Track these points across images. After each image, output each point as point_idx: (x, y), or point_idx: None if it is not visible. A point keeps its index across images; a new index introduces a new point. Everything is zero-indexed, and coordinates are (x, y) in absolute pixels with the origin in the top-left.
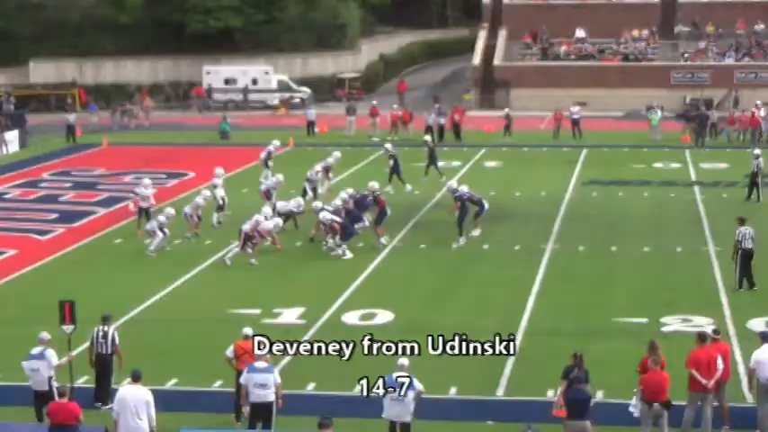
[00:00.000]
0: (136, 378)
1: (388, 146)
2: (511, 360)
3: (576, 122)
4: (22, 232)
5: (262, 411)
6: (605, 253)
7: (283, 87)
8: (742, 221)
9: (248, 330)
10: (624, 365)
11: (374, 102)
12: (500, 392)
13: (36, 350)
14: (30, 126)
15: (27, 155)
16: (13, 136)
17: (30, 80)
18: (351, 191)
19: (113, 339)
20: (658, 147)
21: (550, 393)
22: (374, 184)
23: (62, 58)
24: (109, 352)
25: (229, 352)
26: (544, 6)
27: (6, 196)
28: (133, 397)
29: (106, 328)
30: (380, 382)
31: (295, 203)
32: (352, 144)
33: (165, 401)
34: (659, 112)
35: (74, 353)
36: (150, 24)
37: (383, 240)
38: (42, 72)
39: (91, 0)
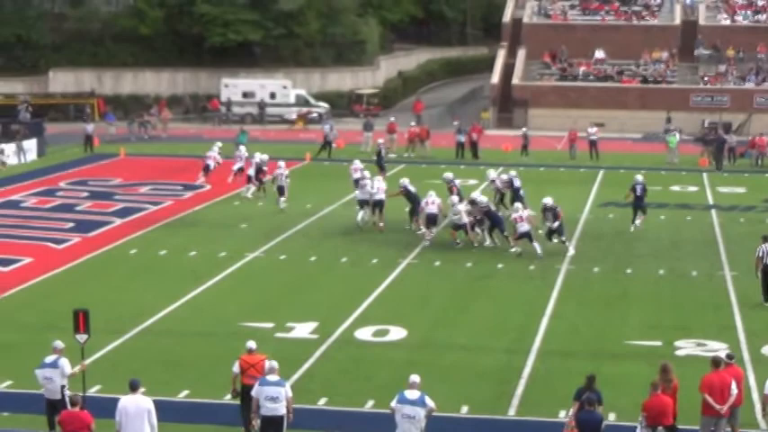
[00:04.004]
0: (134, 387)
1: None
2: (523, 380)
3: (593, 143)
4: (39, 240)
5: (272, 425)
6: (620, 275)
7: (301, 102)
8: (765, 239)
9: (252, 344)
10: (636, 388)
11: (392, 118)
12: (512, 412)
13: (49, 359)
14: (48, 135)
15: (45, 164)
16: (31, 145)
17: (49, 89)
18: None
19: None
20: (676, 169)
21: (562, 414)
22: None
23: (81, 67)
24: None
25: (235, 368)
26: (564, 26)
27: (23, 204)
28: (135, 406)
29: None
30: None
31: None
32: (370, 160)
33: (176, 413)
34: (677, 135)
35: (87, 362)
36: (170, 36)
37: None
38: (61, 81)
39: (111, 11)
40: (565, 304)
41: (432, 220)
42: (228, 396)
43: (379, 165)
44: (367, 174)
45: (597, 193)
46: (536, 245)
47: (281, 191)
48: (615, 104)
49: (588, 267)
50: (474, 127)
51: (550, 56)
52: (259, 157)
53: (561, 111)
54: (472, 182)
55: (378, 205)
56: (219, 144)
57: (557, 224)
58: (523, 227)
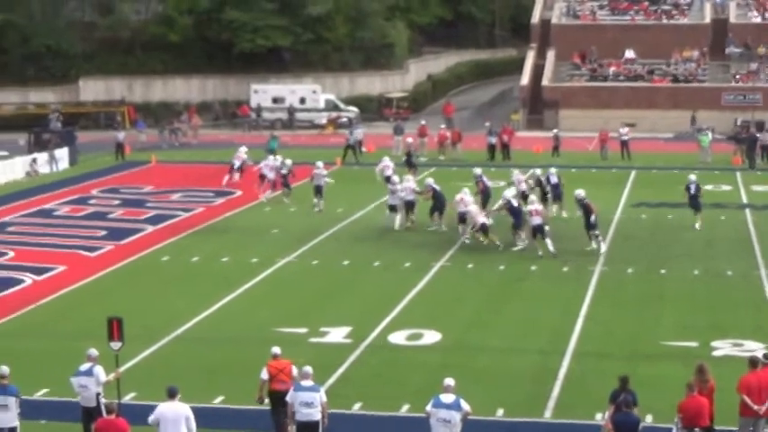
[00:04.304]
0: (172, 394)
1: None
2: (558, 382)
3: (624, 144)
4: (71, 249)
5: (307, 430)
6: (654, 275)
7: (331, 107)
8: None
9: (277, 350)
10: (673, 389)
11: (423, 121)
12: (547, 414)
13: (84, 366)
14: (79, 143)
15: (76, 172)
16: (62, 153)
17: (79, 98)
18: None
19: None
20: (709, 169)
21: (598, 416)
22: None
23: (111, 76)
24: None
25: (264, 374)
26: (593, 27)
27: (56, 213)
28: (173, 413)
29: None
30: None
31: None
32: (400, 163)
33: (211, 419)
34: (709, 134)
35: (121, 369)
36: (199, 43)
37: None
38: (92, 90)
39: (141, 19)
40: (599, 305)
41: (463, 219)
42: (256, 400)
43: (410, 165)
44: (396, 178)
45: (629, 193)
46: (548, 241)
47: (318, 190)
48: (646, 104)
49: (622, 268)
50: (505, 129)
51: (580, 56)
52: (280, 161)
53: (592, 111)
54: (503, 183)
55: (409, 206)
56: (245, 148)
57: (593, 218)
58: (536, 220)
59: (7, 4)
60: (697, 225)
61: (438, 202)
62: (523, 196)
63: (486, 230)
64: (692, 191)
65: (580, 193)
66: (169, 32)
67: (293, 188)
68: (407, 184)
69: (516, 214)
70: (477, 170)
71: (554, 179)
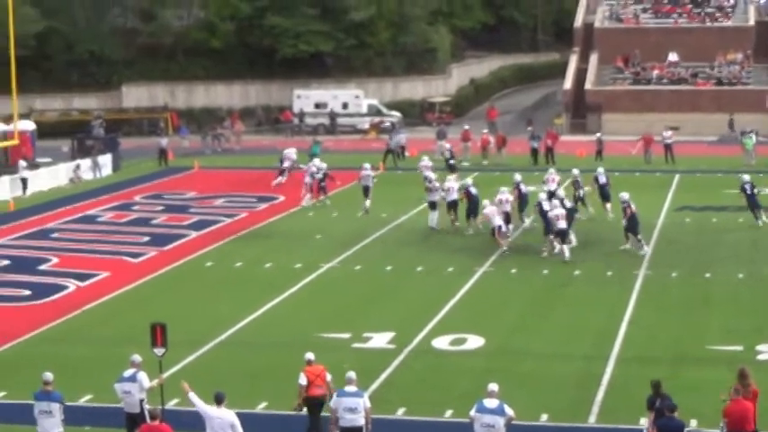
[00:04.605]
0: (219, 400)
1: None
2: (603, 387)
3: (668, 147)
4: (115, 255)
5: None
6: (699, 279)
7: (373, 112)
8: None
9: (311, 355)
10: (717, 394)
11: (466, 126)
12: (592, 420)
13: (128, 372)
14: (122, 150)
15: (120, 178)
16: (106, 159)
17: (122, 104)
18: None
19: None
20: (753, 171)
21: (643, 421)
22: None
23: (154, 82)
24: None
25: (303, 380)
26: (636, 30)
27: (99, 219)
28: (220, 419)
29: None
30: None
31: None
32: (443, 168)
33: (254, 425)
34: (754, 137)
35: (165, 375)
36: (241, 49)
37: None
38: (135, 96)
39: (183, 25)
40: (643, 310)
41: (506, 220)
42: (294, 407)
43: (450, 167)
44: (433, 176)
45: (673, 197)
46: (566, 247)
47: (366, 191)
48: (690, 107)
49: (666, 272)
50: (549, 133)
51: (623, 60)
52: (316, 165)
53: (635, 115)
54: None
55: (452, 206)
56: (294, 149)
57: (624, 222)
58: (561, 224)
59: (51, 11)
60: (760, 222)
61: (472, 205)
62: (550, 195)
63: (495, 233)
64: (749, 190)
65: (624, 195)
66: (211, 38)
67: (330, 194)
68: (449, 184)
69: (544, 218)
70: (517, 176)
71: (602, 179)
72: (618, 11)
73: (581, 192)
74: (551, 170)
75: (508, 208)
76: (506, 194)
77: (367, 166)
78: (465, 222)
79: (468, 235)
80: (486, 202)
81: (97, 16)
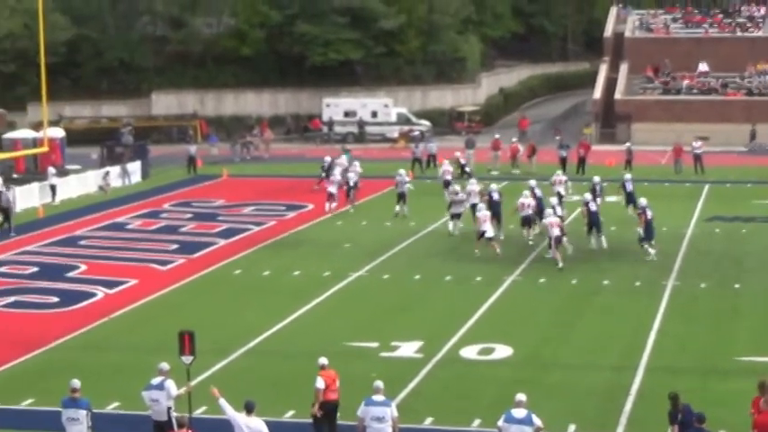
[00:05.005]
0: (249, 409)
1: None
2: (631, 397)
3: (697, 157)
4: (143, 262)
5: None
6: (728, 290)
7: (403, 120)
8: None
9: (324, 360)
10: (747, 406)
11: (496, 135)
12: (620, 430)
13: (156, 380)
14: (151, 157)
15: (149, 186)
16: (135, 167)
17: (152, 112)
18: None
19: None
20: None
21: None
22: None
23: (184, 89)
24: None
25: (321, 383)
26: (666, 40)
27: (128, 227)
28: (248, 428)
29: None
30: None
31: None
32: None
33: None
34: None
35: (193, 383)
36: (271, 57)
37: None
38: (164, 103)
39: (213, 32)
40: (672, 320)
41: (527, 222)
42: (313, 412)
43: (465, 173)
44: (458, 187)
45: (703, 207)
46: (558, 254)
47: (401, 197)
48: (720, 118)
49: (695, 283)
50: (582, 143)
51: (653, 70)
52: (356, 171)
53: (665, 125)
54: (576, 198)
55: (474, 209)
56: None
57: (639, 230)
58: (554, 231)
59: (81, 18)
60: None
61: (493, 211)
62: (559, 197)
63: (481, 237)
64: None
65: (642, 201)
66: (241, 46)
67: (357, 203)
68: (471, 188)
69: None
70: (532, 182)
71: (630, 186)
72: (648, 20)
73: (598, 200)
74: (558, 172)
75: (530, 212)
76: (529, 199)
77: (402, 172)
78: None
79: (452, 235)
80: (481, 205)
81: (127, 24)
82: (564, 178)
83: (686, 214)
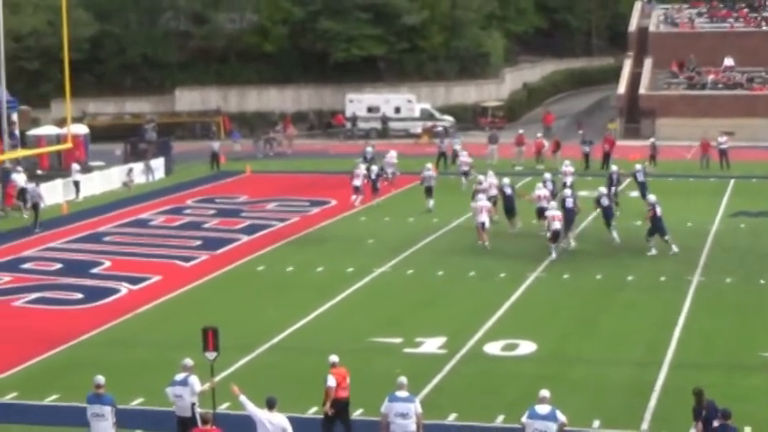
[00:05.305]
0: (271, 405)
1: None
2: (655, 393)
3: (723, 153)
4: (167, 258)
5: None
6: (754, 285)
7: (426, 116)
8: None
9: (335, 358)
10: None
11: (520, 130)
12: (645, 426)
13: (180, 376)
14: (175, 153)
15: (172, 182)
16: (158, 163)
17: (175, 108)
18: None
19: None
20: None
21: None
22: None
23: (207, 86)
24: None
25: (332, 381)
26: (691, 34)
27: (151, 223)
28: (272, 425)
29: None
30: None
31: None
32: (496, 173)
33: (304, 429)
34: None
35: (216, 379)
36: (294, 53)
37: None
38: (188, 100)
39: (236, 28)
40: (697, 316)
41: (541, 213)
42: (324, 410)
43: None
44: (481, 177)
45: (728, 203)
46: (553, 246)
47: (428, 191)
48: (745, 112)
49: (720, 278)
50: (607, 138)
51: (678, 65)
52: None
53: (690, 120)
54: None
55: (492, 201)
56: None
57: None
58: (555, 225)
59: (105, 15)
60: None
61: (507, 205)
62: (564, 186)
63: (479, 227)
64: None
65: (651, 198)
66: (264, 42)
67: (381, 198)
68: (492, 180)
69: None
70: (547, 174)
71: (641, 177)
72: (673, 15)
73: (614, 189)
74: (567, 162)
75: (545, 204)
76: (544, 190)
77: (429, 166)
78: (505, 222)
79: (510, 234)
80: (480, 195)
81: (150, 20)
82: (571, 169)
83: (711, 210)
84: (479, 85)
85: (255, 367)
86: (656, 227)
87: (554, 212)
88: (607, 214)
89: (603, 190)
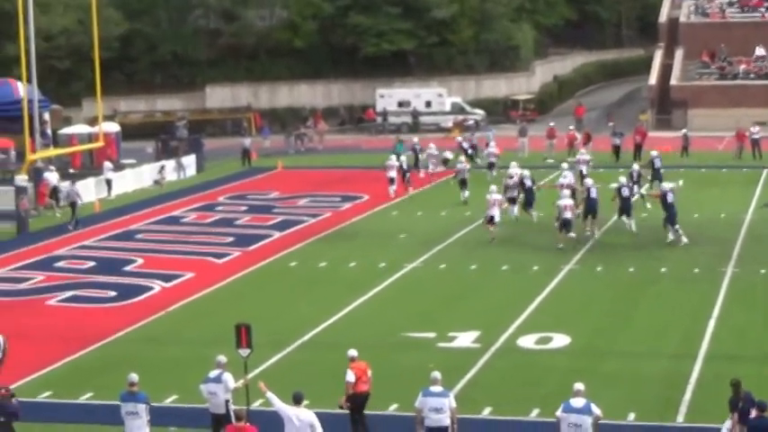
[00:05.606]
0: (298, 400)
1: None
2: (691, 385)
3: (755, 142)
4: (199, 255)
5: None
6: None
7: (457, 110)
8: None
9: (354, 352)
10: None
11: (551, 123)
12: (680, 419)
13: (213, 373)
14: (206, 150)
15: (204, 179)
16: (190, 160)
17: (206, 105)
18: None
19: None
20: None
21: (727, 423)
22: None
23: (237, 82)
24: None
25: (351, 377)
26: (722, 24)
27: (184, 220)
28: (298, 419)
29: None
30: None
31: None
32: (527, 166)
33: (336, 425)
34: None
35: (250, 376)
36: (324, 48)
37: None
38: (218, 97)
39: (266, 25)
40: (731, 307)
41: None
42: (339, 404)
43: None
44: (512, 171)
45: (761, 193)
46: (561, 236)
47: (463, 183)
48: None
49: (754, 269)
50: (638, 129)
51: (709, 55)
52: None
53: (722, 110)
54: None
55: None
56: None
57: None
58: (567, 214)
59: (135, 13)
60: None
61: (526, 197)
62: (581, 176)
63: (491, 221)
64: None
65: (665, 186)
66: (294, 38)
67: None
68: (515, 171)
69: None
70: (564, 165)
71: (658, 162)
72: (703, 5)
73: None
74: (582, 151)
75: (567, 192)
76: (567, 179)
77: (462, 159)
78: (526, 213)
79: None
80: (493, 187)
81: (180, 17)
82: (587, 158)
83: (745, 200)
84: (510, 79)
85: (288, 364)
86: (668, 214)
87: (565, 201)
88: (626, 205)
89: (623, 180)
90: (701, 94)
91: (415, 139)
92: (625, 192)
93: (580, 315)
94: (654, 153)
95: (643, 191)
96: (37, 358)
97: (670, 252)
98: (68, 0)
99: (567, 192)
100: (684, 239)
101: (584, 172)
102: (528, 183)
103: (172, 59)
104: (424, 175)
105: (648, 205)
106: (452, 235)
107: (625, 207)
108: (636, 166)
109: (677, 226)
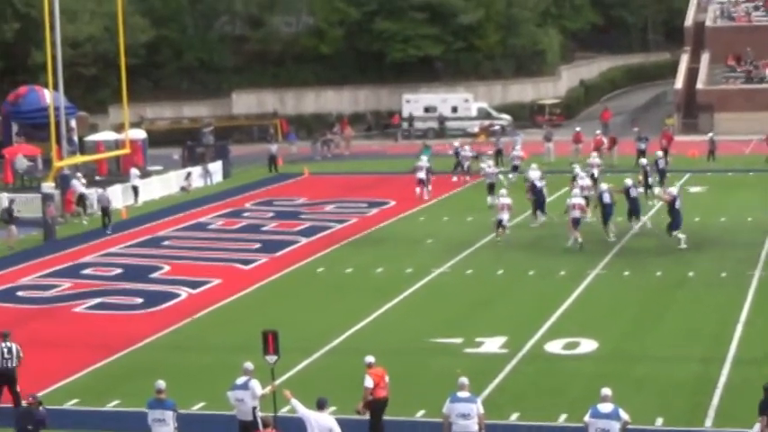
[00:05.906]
0: (321, 405)
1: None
2: (719, 390)
3: None
4: (226, 262)
5: None
6: None
7: (483, 115)
8: None
9: (371, 358)
10: None
11: (578, 128)
12: (708, 424)
13: (241, 380)
14: (233, 157)
15: (230, 185)
16: (216, 167)
17: (232, 111)
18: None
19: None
20: None
21: (756, 427)
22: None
23: (263, 88)
24: (13, 365)
25: (370, 382)
26: (748, 28)
27: (211, 226)
28: (318, 424)
29: (9, 344)
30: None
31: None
32: (552, 171)
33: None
34: None
35: (277, 382)
36: (350, 54)
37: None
38: (244, 103)
39: (292, 31)
40: (759, 311)
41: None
42: (356, 409)
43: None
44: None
45: None
46: (570, 234)
47: (491, 188)
48: None
49: None
50: (665, 134)
51: (735, 58)
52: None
53: (748, 114)
54: (657, 190)
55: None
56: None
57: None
58: (575, 213)
59: (161, 20)
60: None
61: (537, 199)
62: (593, 178)
63: (500, 225)
64: None
65: (672, 191)
66: (320, 44)
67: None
68: (533, 173)
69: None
70: (577, 167)
71: (662, 164)
72: (729, 9)
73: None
74: (594, 154)
75: (587, 194)
76: (586, 180)
77: (490, 163)
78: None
79: (532, 228)
80: (503, 191)
81: (206, 24)
82: (598, 161)
83: None
84: (536, 83)
85: (315, 370)
86: (673, 221)
87: (575, 200)
88: (635, 206)
89: (629, 182)
90: (726, 97)
91: (456, 143)
92: (633, 192)
93: (607, 320)
94: (659, 154)
95: (657, 191)
96: (64, 366)
97: (697, 256)
98: (95, 8)
99: (577, 191)
100: (684, 245)
101: (596, 175)
102: (538, 184)
103: (198, 66)
104: (457, 178)
105: (650, 202)
106: (479, 240)
107: (633, 208)
108: (644, 160)
109: (678, 231)
